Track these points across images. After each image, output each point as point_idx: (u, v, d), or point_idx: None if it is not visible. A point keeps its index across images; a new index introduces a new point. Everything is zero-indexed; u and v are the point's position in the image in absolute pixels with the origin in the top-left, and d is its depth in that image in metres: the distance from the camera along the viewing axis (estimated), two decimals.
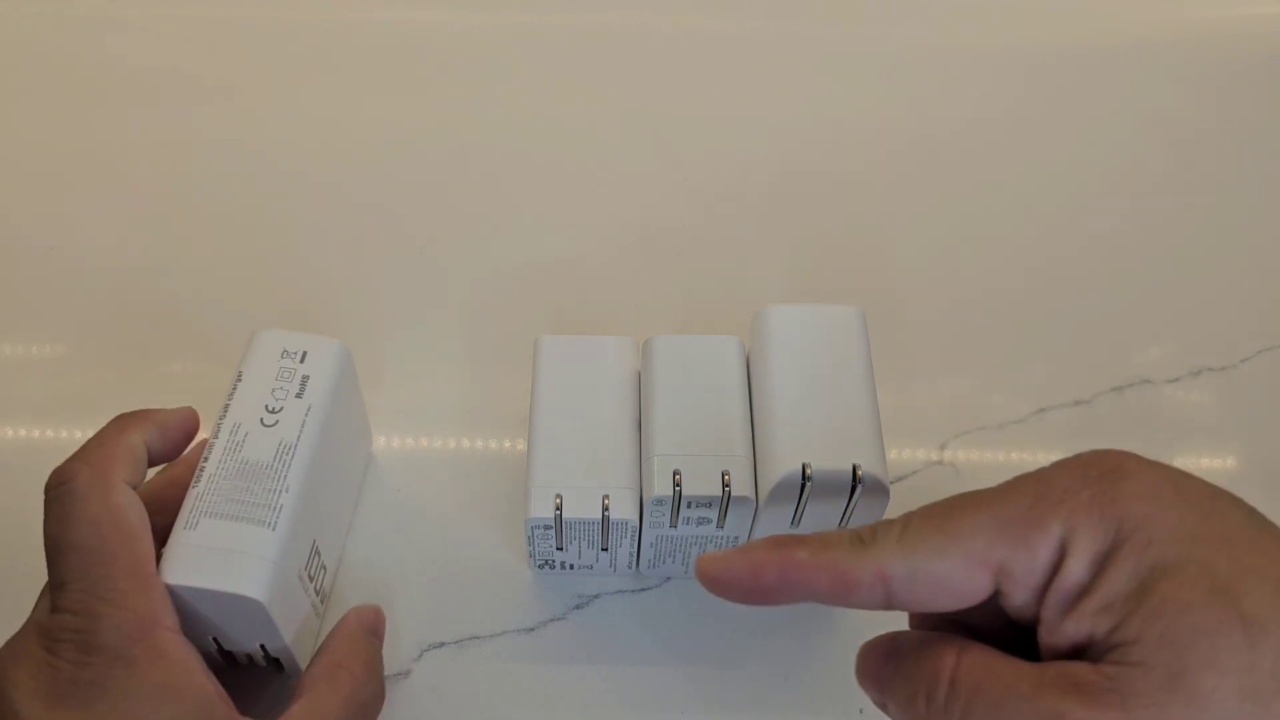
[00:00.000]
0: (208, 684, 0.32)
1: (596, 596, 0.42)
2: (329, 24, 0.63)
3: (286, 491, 0.35)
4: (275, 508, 0.34)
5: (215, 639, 0.36)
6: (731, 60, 0.62)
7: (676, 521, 0.37)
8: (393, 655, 0.40)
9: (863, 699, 0.39)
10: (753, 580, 0.28)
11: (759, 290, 0.51)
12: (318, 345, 0.38)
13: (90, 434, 0.46)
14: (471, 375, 0.48)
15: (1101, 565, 0.25)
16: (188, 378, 0.48)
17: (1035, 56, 0.63)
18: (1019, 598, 0.26)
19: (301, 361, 0.38)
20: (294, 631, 0.36)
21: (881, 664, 0.28)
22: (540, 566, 0.41)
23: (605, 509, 0.37)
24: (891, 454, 0.45)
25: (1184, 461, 0.46)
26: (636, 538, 0.39)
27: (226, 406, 0.37)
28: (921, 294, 0.51)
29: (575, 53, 0.62)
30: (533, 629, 0.41)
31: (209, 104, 0.59)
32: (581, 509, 0.37)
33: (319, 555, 0.38)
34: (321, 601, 0.39)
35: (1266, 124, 0.59)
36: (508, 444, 0.46)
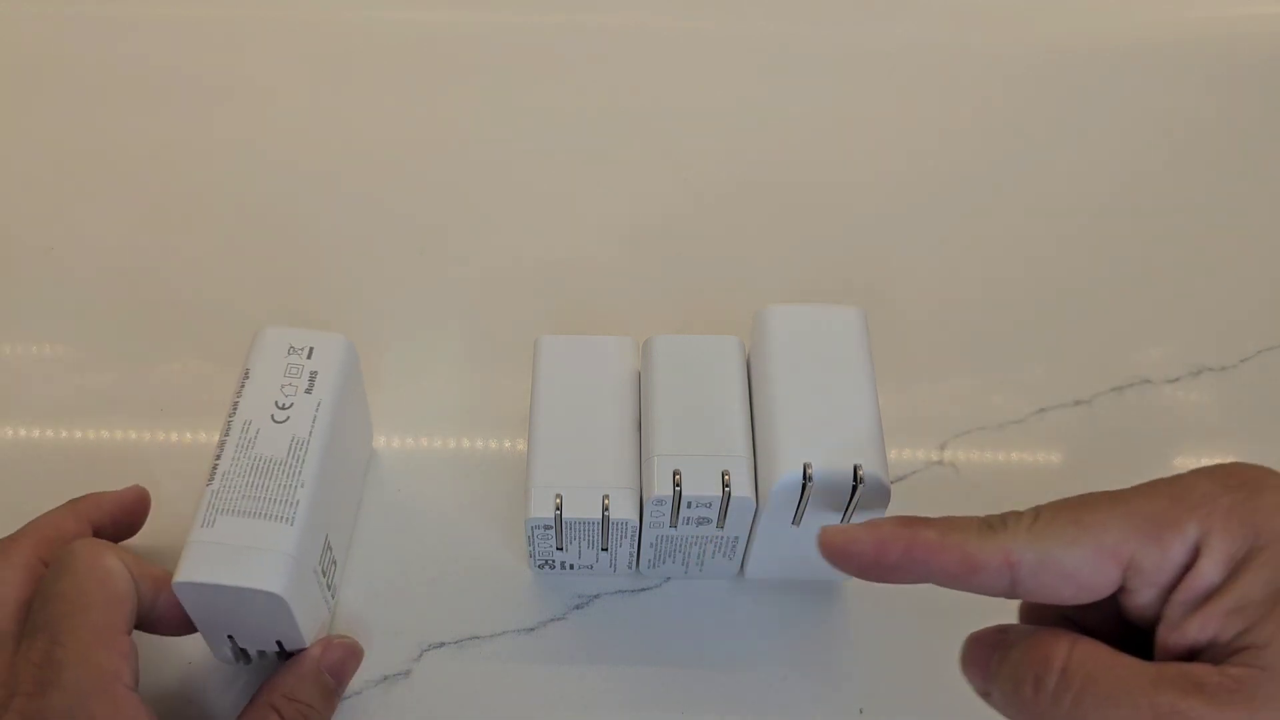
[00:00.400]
0: None
1: (596, 596, 0.42)
2: (328, 25, 0.63)
3: (303, 486, 0.35)
4: (293, 503, 0.35)
5: (231, 636, 0.36)
6: (732, 60, 0.62)
7: (676, 521, 0.37)
8: (393, 655, 0.40)
9: (863, 699, 0.39)
10: (876, 555, 0.29)
11: (759, 290, 0.51)
12: (324, 341, 0.39)
13: (90, 434, 0.46)
14: (471, 375, 0.48)
15: (1235, 569, 0.25)
16: (188, 377, 0.48)
17: (1036, 56, 0.63)
18: (1144, 595, 0.27)
19: (309, 357, 0.38)
20: (310, 626, 0.37)
21: (988, 651, 0.29)
22: (540, 566, 0.41)
23: (605, 509, 0.37)
24: (891, 454, 0.45)
25: (1184, 461, 0.46)
26: (636, 538, 0.39)
27: (235, 404, 0.37)
28: (921, 294, 0.51)
29: (576, 52, 0.62)
30: (533, 629, 0.41)
31: (209, 104, 0.59)
32: (581, 509, 0.37)
33: (330, 550, 0.38)
34: (332, 595, 0.40)
35: (1266, 124, 0.59)
36: (508, 444, 0.46)
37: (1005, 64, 0.62)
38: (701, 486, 0.36)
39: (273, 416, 0.36)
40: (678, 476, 0.36)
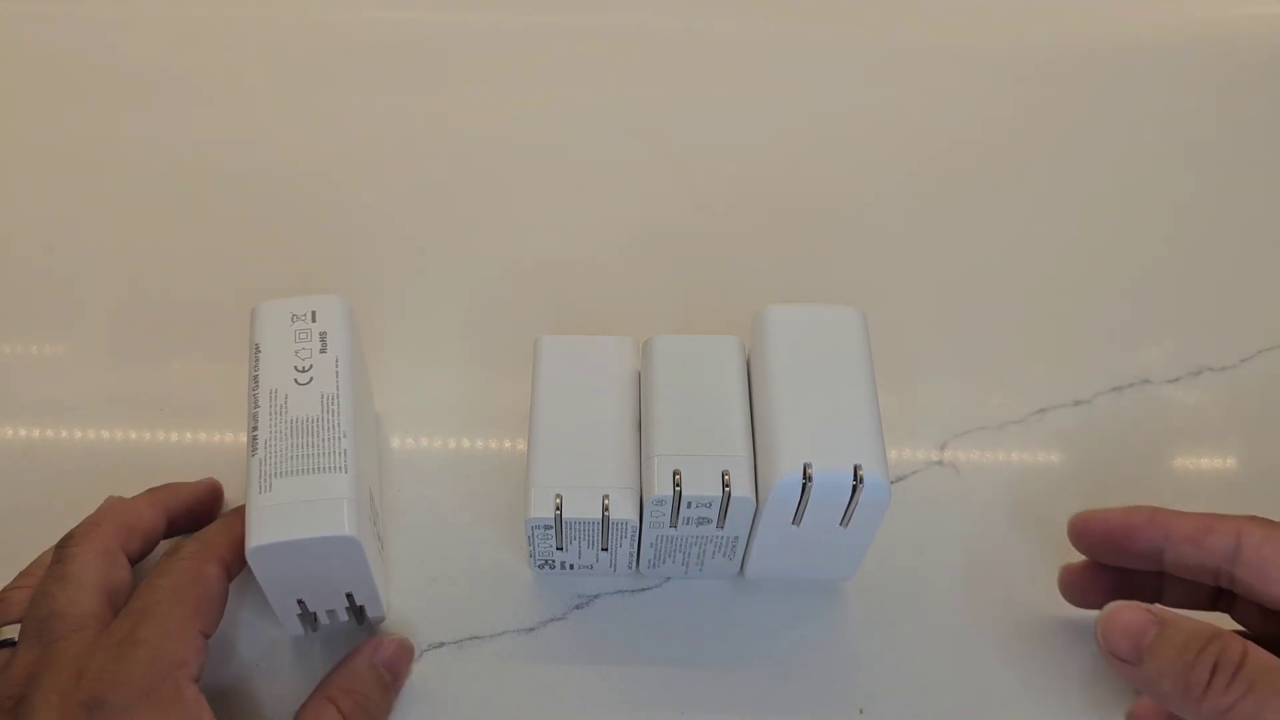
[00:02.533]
0: None
1: (596, 596, 0.42)
2: (328, 24, 0.63)
3: (345, 437, 0.36)
4: (341, 453, 0.35)
5: (300, 600, 0.37)
6: (732, 60, 0.62)
7: (676, 521, 0.37)
8: None
9: (863, 699, 0.39)
10: (1124, 520, 0.36)
11: (759, 290, 0.51)
12: (323, 303, 0.39)
13: (90, 434, 0.46)
14: (471, 375, 0.48)
15: None
16: (188, 377, 0.48)
17: (1035, 56, 0.63)
18: None
19: (314, 320, 0.39)
20: (377, 574, 0.37)
21: (1146, 622, 0.32)
22: (540, 566, 0.41)
23: (605, 509, 0.37)
24: (891, 454, 0.45)
25: (1184, 461, 0.46)
26: (636, 538, 0.39)
27: (255, 377, 0.37)
28: (921, 294, 0.51)
29: (575, 53, 0.62)
30: (533, 629, 0.41)
31: (208, 104, 0.59)
32: (581, 509, 0.37)
33: (373, 500, 0.39)
34: (382, 547, 0.40)
35: (1266, 124, 0.59)
36: (508, 444, 0.46)
37: (1005, 64, 0.62)
38: (701, 486, 0.36)
39: (295, 380, 0.37)
40: (678, 476, 0.36)
